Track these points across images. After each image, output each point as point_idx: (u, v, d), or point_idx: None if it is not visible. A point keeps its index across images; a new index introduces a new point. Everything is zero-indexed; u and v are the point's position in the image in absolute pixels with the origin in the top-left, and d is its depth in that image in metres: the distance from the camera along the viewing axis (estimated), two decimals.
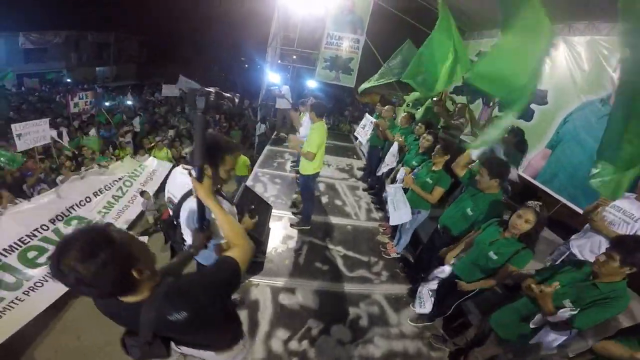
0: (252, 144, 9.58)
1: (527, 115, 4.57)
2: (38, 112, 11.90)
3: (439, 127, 4.88)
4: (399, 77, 4.45)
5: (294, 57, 9.30)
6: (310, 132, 3.38)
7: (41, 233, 4.21)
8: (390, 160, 4.05)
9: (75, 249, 0.86)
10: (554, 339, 1.92)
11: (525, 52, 1.84)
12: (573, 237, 2.67)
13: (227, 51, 27.22)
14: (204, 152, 1.25)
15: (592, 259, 1.86)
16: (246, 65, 26.44)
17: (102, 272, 0.87)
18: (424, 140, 3.42)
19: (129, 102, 13.79)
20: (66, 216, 4.58)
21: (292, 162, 6.13)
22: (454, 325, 2.90)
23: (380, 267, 3.60)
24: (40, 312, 3.57)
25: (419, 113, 5.14)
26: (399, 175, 3.54)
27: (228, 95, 1.23)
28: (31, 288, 3.76)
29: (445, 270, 2.50)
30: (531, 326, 1.89)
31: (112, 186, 5.72)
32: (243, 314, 2.70)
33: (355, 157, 7.28)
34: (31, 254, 4.01)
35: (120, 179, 5.90)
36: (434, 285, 2.62)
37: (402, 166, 3.62)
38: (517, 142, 3.89)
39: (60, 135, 7.34)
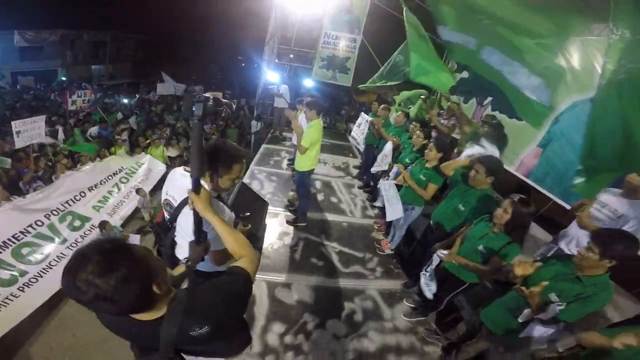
0: (249, 142, 9.60)
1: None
2: (33, 110, 11.80)
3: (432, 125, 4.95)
4: (403, 78, 4.50)
5: (291, 56, 9.34)
6: (308, 128, 3.43)
7: (35, 229, 4.19)
8: (382, 160, 4.09)
9: (93, 262, 0.81)
10: (543, 332, 1.98)
11: None
12: (561, 233, 2.74)
13: (224, 50, 27.21)
14: (201, 162, 1.20)
15: None
16: (243, 64, 26.45)
17: (123, 286, 0.83)
18: (416, 138, 3.48)
19: (125, 101, 13.73)
20: (61, 211, 4.56)
21: (289, 160, 6.17)
22: (447, 320, 2.97)
23: (375, 263, 3.65)
24: (35, 309, 3.54)
25: (413, 111, 5.20)
26: (392, 173, 3.59)
27: (226, 101, 1.16)
28: (26, 284, 3.74)
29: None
30: (520, 321, 1.94)
31: (107, 181, 5.67)
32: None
33: (351, 155, 7.33)
34: (25, 250, 3.99)
35: (115, 173, 5.85)
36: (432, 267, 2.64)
37: (396, 164, 3.68)
38: (497, 136, 4.01)
39: (56, 133, 7.30)
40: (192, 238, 1.43)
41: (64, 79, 19.58)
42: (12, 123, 5.08)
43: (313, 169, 3.73)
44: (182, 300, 1.02)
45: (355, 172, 6.21)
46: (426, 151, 3.12)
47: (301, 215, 4.03)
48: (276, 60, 9.14)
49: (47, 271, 3.99)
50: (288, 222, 4.05)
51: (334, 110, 11.88)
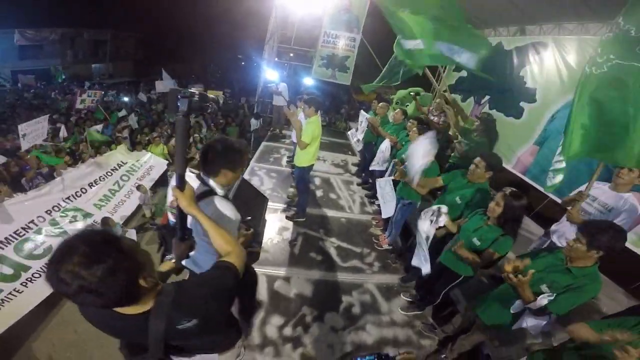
0: (248, 140, 9.64)
1: (517, 112, 4.70)
2: (33, 108, 11.86)
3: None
4: (400, 79, 4.59)
5: (291, 54, 9.38)
6: (307, 124, 3.47)
7: (37, 225, 4.24)
8: (380, 158, 4.14)
9: (78, 253, 0.79)
10: (535, 324, 2.00)
11: None
12: (553, 226, 2.79)
13: (224, 49, 27.25)
14: (185, 158, 1.19)
15: None
16: (243, 63, 26.49)
17: (109, 278, 0.81)
18: (413, 134, 3.53)
19: (126, 99, 13.78)
20: (62, 207, 4.61)
21: (288, 157, 6.23)
22: (444, 314, 3.01)
23: (373, 257, 3.70)
24: (38, 305, 3.58)
25: (410, 109, 5.25)
26: (390, 169, 3.64)
27: (212, 96, 1.15)
28: (29, 279, 3.79)
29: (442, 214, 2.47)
30: (512, 312, 1.97)
31: (107, 177, 5.71)
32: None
33: (350, 153, 7.38)
34: (28, 246, 4.03)
35: (114, 169, 5.88)
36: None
37: (394, 159, 3.72)
38: (486, 129, 4.13)
39: (57, 131, 7.36)
40: (205, 246, 1.45)
41: (64, 77, 19.59)
42: (19, 127, 5.15)
43: (312, 165, 3.78)
44: (170, 294, 1.01)
45: (354, 169, 6.27)
46: None
47: (300, 210, 4.08)
48: (276, 59, 9.18)
49: None
50: (287, 217, 4.10)
51: (334, 108, 11.93)
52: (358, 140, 5.42)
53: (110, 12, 21.88)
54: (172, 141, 8.41)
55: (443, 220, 2.41)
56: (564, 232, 2.60)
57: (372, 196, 4.90)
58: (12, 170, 5.50)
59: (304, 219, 4.08)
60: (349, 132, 6.48)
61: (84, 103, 8.53)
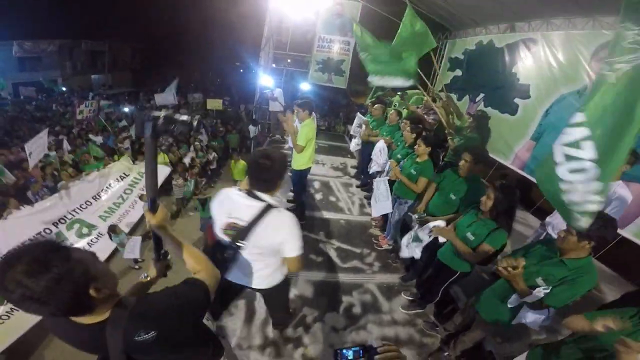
0: (249, 147, 9.72)
1: (512, 109, 4.74)
2: (36, 120, 12.01)
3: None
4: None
5: (288, 60, 9.46)
6: (301, 128, 3.53)
7: (44, 237, 4.31)
8: (377, 157, 4.19)
9: (23, 262, 0.80)
10: (534, 318, 1.99)
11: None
12: (547, 218, 2.82)
13: (222, 56, 27.48)
14: (156, 181, 1.21)
15: None
16: (241, 70, 26.71)
17: (55, 287, 0.81)
18: (406, 133, 3.58)
19: (126, 110, 13.92)
20: (68, 219, 4.68)
21: (287, 162, 6.26)
22: (446, 312, 3.01)
23: (373, 258, 3.74)
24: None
25: (404, 111, 5.31)
26: (387, 169, 3.70)
27: (183, 118, 1.11)
28: None
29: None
30: (509, 306, 1.98)
31: (110, 188, 5.77)
32: (241, 302, 2.83)
33: (349, 156, 7.45)
34: None
35: (118, 180, 5.95)
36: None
37: (390, 159, 3.77)
38: (478, 126, 4.26)
39: (61, 143, 7.45)
40: (270, 251, 1.60)
41: (63, 89, 19.73)
42: (25, 146, 5.21)
43: (310, 167, 3.83)
44: (129, 305, 1.00)
45: (353, 171, 6.33)
46: (416, 146, 3.22)
47: (299, 213, 4.11)
48: (273, 65, 9.27)
49: None
50: None
51: (332, 112, 11.99)
52: (357, 144, 5.48)
53: (107, 22, 22.02)
54: (175, 149, 8.51)
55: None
56: (558, 224, 2.62)
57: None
58: (18, 182, 5.59)
59: (303, 222, 4.12)
60: (350, 141, 6.55)
61: (82, 114, 8.67)
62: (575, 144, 1.56)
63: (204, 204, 6.00)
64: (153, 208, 1.22)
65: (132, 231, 5.64)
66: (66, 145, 7.39)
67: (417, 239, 2.68)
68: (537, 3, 4.04)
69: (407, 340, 2.78)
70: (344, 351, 0.81)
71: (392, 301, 3.15)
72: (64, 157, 6.83)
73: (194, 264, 1.23)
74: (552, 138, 4.04)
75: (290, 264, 1.73)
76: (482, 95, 5.51)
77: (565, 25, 4.04)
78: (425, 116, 4.99)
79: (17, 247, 0.84)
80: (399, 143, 3.91)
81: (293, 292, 3.08)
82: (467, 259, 2.28)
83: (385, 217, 3.87)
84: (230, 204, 1.65)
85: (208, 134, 9.92)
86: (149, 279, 1.41)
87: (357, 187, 5.55)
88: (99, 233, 4.93)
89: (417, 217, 2.98)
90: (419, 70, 4.87)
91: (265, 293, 1.89)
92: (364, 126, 5.22)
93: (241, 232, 1.60)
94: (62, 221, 4.60)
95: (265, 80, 8.42)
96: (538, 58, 4.43)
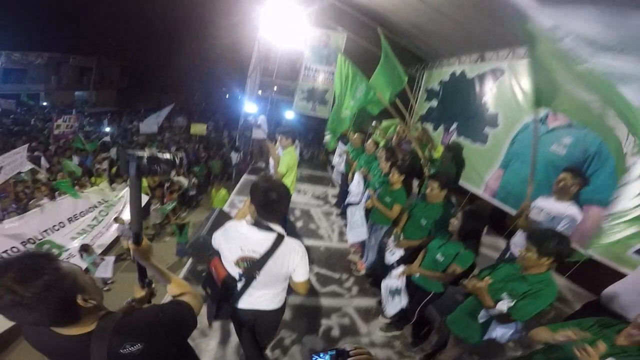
0: (230, 174, 9.71)
1: (482, 138, 5.01)
2: (13, 134, 11.58)
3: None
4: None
5: (275, 87, 9.71)
6: (283, 155, 3.55)
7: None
8: (355, 188, 4.28)
9: (14, 269, 0.81)
10: (502, 332, 2.11)
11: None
12: (511, 239, 3.02)
13: (208, 80, 27.92)
14: (141, 216, 1.25)
15: None
16: (227, 95, 27.07)
17: (44, 294, 0.82)
18: (382, 162, 3.75)
19: (108, 129, 13.71)
20: (39, 240, 4.51)
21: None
22: (423, 332, 3.05)
23: (351, 283, 3.78)
24: None
25: (382, 141, 5.55)
26: (364, 197, 3.86)
27: (166, 157, 1.14)
28: None
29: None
30: (479, 321, 2.08)
31: (87, 213, 5.65)
32: (215, 324, 2.77)
33: (330, 185, 7.60)
34: None
35: (95, 206, 5.85)
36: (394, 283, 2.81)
37: (368, 188, 3.91)
38: (453, 156, 4.58)
39: (38, 159, 7.23)
40: (283, 278, 1.73)
41: (45, 103, 19.19)
42: None
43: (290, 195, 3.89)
44: (115, 318, 1.01)
45: (334, 201, 6.41)
46: (390, 175, 3.37)
47: None
48: (259, 92, 9.48)
49: None
50: None
51: (316, 142, 12.02)
52: (341, 173, 5.64)
53: (98, 38, 22.15)
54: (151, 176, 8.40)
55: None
56: (520, 242, 2.81)
57: None
58: None
59: None
60: (332, 170, 6.69)
61: (59, 128, 8.56)
62: None
63: (182, 229, 5.92)
64: (137, 241, 1.26)
65: (105, 252, 5.46)
66: (44, 162, 7.19)
67: (396, 292, 2.77)
68: (503, 31, 4.16)
69: None
70: (321, 354, 0.87)
71: (370, 324, 3.17)
72: (37, 174, 6.62)
73: (176, 290, 1.29)
74: (519, 166, 4.33)
75: (300, 288, 1.78)
76: (455, 124, 5.80)
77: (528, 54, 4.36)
78: (397, 146, 5.22)
79: (7, 257, 0.87)
80: (375, 172, 4.05)
81: None
82: (438, 280, 2.39)
83: (363, 243, 3.93)
84: (242, 239, 1.68)
85: (189, 159, 9.87)
86: (134, 304, 1.42)
87: (338, 215, 5.63)
88: (69, 254, 4.75)
89: (393, 239, 3.10)
90: (397, 100, 5.20)
91: (273, 313, 1.92)
92: (344, 156, 5.39)
93: (256, 264, 1.66)
94: (32, 241, 4.41)
95: (249, 107, 8.58)
96: (505, 87, 4.61)
